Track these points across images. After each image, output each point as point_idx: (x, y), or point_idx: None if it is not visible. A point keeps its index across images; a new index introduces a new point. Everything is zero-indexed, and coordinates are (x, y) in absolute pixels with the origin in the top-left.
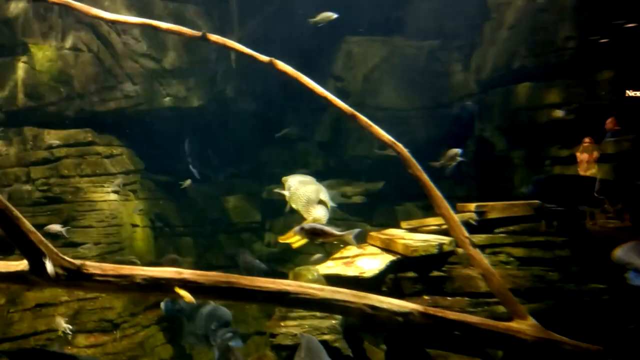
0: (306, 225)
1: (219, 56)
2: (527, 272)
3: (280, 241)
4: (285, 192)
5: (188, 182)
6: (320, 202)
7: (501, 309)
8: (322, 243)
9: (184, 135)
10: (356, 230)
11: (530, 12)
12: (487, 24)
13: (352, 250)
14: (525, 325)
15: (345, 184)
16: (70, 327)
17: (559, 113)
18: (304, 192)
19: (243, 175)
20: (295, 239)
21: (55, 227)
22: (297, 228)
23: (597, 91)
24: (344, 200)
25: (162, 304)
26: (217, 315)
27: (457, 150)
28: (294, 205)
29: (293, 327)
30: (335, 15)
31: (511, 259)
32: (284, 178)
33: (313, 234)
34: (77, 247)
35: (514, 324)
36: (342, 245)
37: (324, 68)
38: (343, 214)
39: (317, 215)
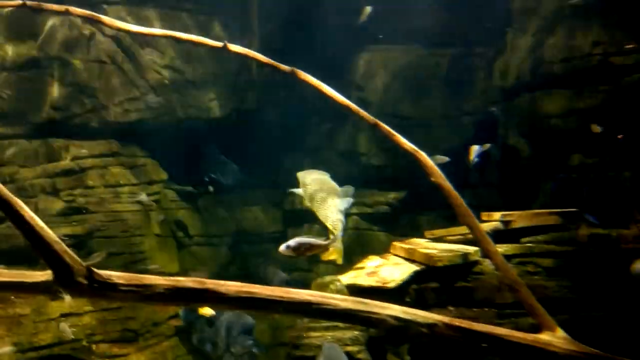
0: (292, 242)
1: (241, 67)
2: (556, 282)
3: (324, 259)
4: (300, 191)
5: (210, 188)
6: (335, 202)
7: (529, 320)
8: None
9: (206, 145)
10: (338, 235)
11: (556, 17)
12: (511, 31)
13: (374, 260)
14: (554, 337)
15: (368, 193)
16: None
17: (596, 128)
18: (321, 191)
19: (265, 185)
20: (335, 255)
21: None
22: (282, 247)
23: (625, 97)
24: (367, 210)
25: (181, 312)
26: (239, 322)
27: (486, 145)
28: (308, 204)
29: (315, 338)
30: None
31: (539, 269)
32: (298, 174)
33: (299, 248)
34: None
35: (543, 336)
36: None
37: (345, 77)
38: (366, 224)
39: (334, 216)
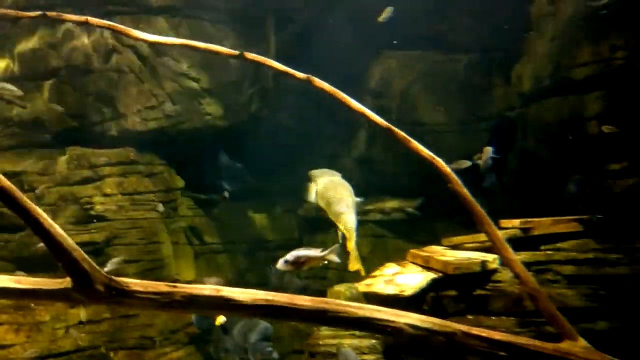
0: (289, 256)
1: (257, 74)
2: (577, 290)
3: (352, 270)
4: (313, 191)
5: (225, 194)
6: (347, 203)
7: (550, 329)
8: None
9: (222, 152)
10: (336, 246)
11: (575, 22)
12: (529, 36)
13: (391, 267)
14: (576, 347)
15: (384, 200)
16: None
17: (608, 128)
18: (334, 191)
19: (281, 192)
20: (357, 264)
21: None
22: (280, 262)
23: None
24: (383, 217)
25: (194, 319)
26: (257, 328)
27: (489, 148)
28: (321, 204)
29: (332, 346)
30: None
31: (559, 277)
32: (310, 172)
33: (297, 262)
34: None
35: (564, 345)
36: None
37: (360, 84)
38: (382, 231)
39: (348, 218)
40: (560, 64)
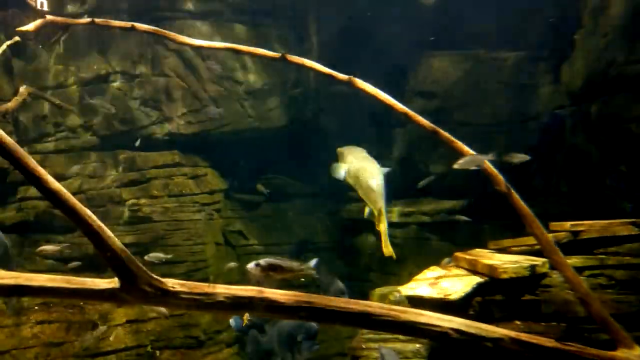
0: (262, 261)
1: (299, 76)
2: (632, 296)
3: (386, 254)
4: (342, 168)
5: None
6: (377, 181)
7: (603, 336)
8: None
9: (265, 155)
10: (314, 261)
11: (629, 17)
12: (579, 32)
13: (435, 270)
14: (633, 355)
15: (426, 202)
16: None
17: None
18: (363, 170)
19: (323, 193)
20: (389, 248)
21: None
22: (251, 264)
23: None
24: (425, 219)
25: (232, 321)
26: (304, 326)
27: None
28: (350, 182)
29: (375, 350)
30: None
31: (612, 282)
32: (339, 149)
33: (270, 269)
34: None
35: (620, 354)
36: None
37: (404, 84)
38: (425, 233)
39: (378, 198)
40: (613, 60)
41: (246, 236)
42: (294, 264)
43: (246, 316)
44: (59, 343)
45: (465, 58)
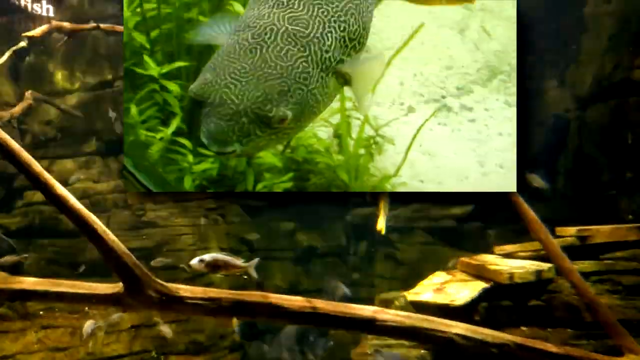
0: (206, 256)
1: None
2: (639, 302)
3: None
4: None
5: None
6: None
7: (609, 342)
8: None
9: None
10: (255, 260)
11: (634, 20)
12: (585, 35)
13: (440, 276)
14: None
15: (432, 207)
16: None
17: None
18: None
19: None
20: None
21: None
22: (195, 260)
23: None
24: (431, 224)
25: (236, 328)
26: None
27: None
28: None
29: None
30: None
31: (619, 287)
32: None
33: (214, 266)
34: (171, 269)
35: None
36: None
37: None
38: (431, 238)
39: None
40: (619, 63)
41: (251, 242)
42: (237, 262)
43: (235, 321)
44: (64, 348)
45: None
